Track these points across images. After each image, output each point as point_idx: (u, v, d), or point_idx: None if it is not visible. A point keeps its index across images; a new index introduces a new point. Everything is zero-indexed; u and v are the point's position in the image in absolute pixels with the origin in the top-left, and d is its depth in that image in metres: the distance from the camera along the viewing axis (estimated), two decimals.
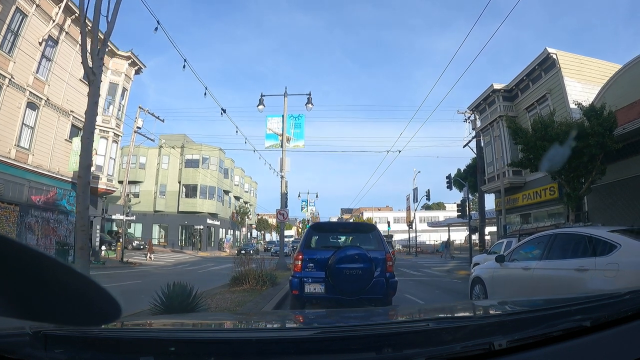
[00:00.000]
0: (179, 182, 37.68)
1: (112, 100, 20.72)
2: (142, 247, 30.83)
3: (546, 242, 5.09)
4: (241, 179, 51.73)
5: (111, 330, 1.12)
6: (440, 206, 69.23)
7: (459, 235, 43.31)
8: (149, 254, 25.38)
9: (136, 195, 37.32)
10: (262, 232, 62.22)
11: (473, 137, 20.78)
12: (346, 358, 1.06)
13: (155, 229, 37.83)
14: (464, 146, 21.51)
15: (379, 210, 67.11)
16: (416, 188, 35.54)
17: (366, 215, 63.57)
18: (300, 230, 64.27)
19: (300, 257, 5.72)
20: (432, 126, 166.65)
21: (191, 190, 37.93)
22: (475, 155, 21.17)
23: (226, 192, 43.34)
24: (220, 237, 41.03)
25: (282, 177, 15.66)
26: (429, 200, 35.00)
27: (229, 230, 45.16)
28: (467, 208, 22.09)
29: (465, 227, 45.01)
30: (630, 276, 3.78)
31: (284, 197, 15.90)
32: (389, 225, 39.43)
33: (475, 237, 22.23)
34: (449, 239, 33.73)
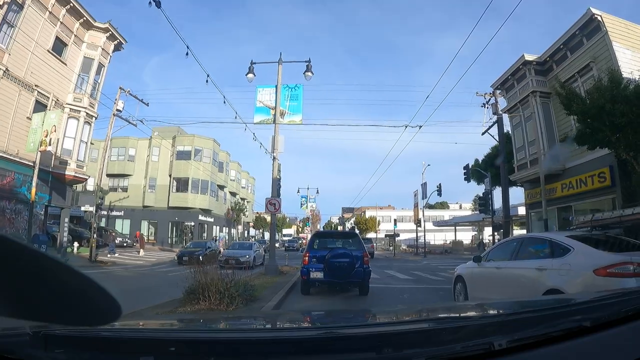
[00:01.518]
0: (170, 176, 36.34)
1: (87, 77, 18.92)
2: (125, 244, 28.69)
3: (516, 244, 6.06)
4: (237, 174, 50.11)
5: (111, 330, 1.12)
6: (443, 205, 70.02)
7: (465, 236, 42.17)
8: (140, 250, 23.97)
9: (124, 190, 36.45)
10: (261, 230, 59.29)
11: (495, 122, 18.89)
12: (346, 358, 1.08)
13: (144, 225, 36.19)
14: (483, 133, 19.51)
15: (381, 209, 67.25)
16: (425, 183, 32.68)
17: (369, 213, 63.27)
18: (300, 229, 61.72)
19: (307, 255, 8.77)
20: (446, 113, 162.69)
21: (182, 184, 36.20)
22: (497, 142, 19.26)
23: (221, 187, 41.51)
24: (214, 235, 39.02)
25: (274, 158, 13.23)
26: (440, 196, 32.45)
27: (224, 228, 43.23)
28: (490, 202, 19.82)
29: (471, 227, 42.88)
30: (579, 275, 4.57)
31: (276, 183, 13.91)
32: (395, 224, 38.31)
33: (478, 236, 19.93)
34: (482, 238, 32.97)
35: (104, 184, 34.11)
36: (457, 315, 1.81)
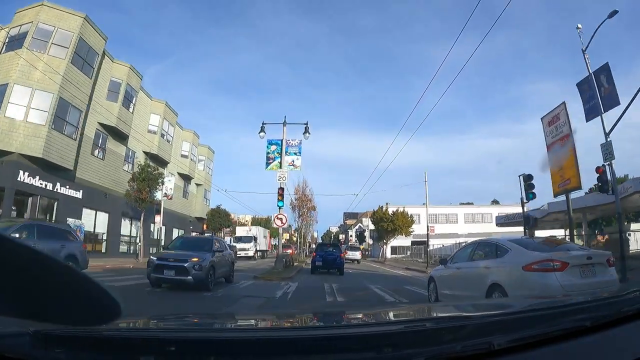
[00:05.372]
0: None
1: None
2: None
3: (472, 248, 7.32)
4: (167, 124, 29.39)
5: (111, 330, 1.12)
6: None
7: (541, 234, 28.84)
8: None
9: None
10: (228, 232, 42.80)
11: None
12: (346, 358, 1.09)
13: None
14: None
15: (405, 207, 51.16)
16: (590, 75, 13.78)
17: (391, 209, 45.29)
18: (294, 237, 57.18)
19: (315, 253, 19.58)
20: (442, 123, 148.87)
21: None
22: None
23: (119, 136, 23.64)
24: (79, 223, 20.43)
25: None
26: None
27: (127, 221, 24.98)
28: None
29: (509, 227, 28.97)
30: (512, 270, 5.64)
31: None
32: (497, 201, 25.53)
33: None
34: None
35: None
36: (457, 315, 1.83)
